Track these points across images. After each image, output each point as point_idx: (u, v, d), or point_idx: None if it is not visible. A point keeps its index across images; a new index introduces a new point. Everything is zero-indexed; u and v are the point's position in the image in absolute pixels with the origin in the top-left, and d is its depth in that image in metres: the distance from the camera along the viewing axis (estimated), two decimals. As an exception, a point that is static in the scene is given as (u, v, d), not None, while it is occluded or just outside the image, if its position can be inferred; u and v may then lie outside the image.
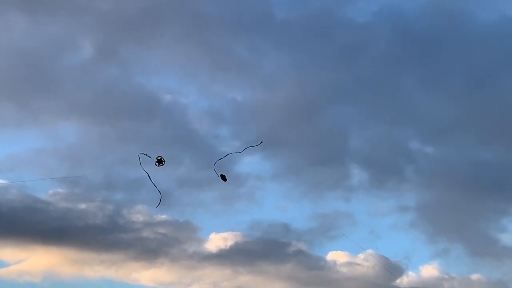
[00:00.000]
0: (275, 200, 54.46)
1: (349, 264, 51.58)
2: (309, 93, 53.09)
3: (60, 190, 49.56)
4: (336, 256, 51.66)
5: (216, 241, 50.82)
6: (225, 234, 51.14)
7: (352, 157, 53.27)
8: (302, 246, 51.18)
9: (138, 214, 49.70)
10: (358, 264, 51.57)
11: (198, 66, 55.35)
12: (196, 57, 54.57)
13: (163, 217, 50.64)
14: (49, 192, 49.40)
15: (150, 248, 49.22)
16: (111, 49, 53.65)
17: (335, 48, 55.18)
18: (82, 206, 49.06)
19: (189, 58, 54.84)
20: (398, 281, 50.40)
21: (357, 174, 53.12)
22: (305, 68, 54.05)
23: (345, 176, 52.90)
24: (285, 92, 53.05)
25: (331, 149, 53.62)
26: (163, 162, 27.16)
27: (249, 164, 52.82)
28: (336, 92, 53.69)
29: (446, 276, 51.78)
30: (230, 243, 50.68)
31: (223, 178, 26.88)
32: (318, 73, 53.83)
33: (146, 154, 26.45)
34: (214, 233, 51.41)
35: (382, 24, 56.53)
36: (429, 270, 52.38)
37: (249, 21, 55.48)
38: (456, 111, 54.46)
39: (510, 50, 55.95)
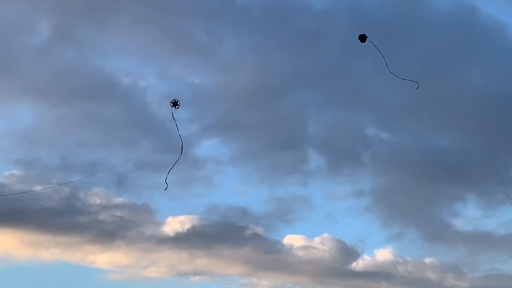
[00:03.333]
0: (233, 184, 54.89)
1: (305, 247, 52.20)
2: (268, 78, 53.29)
3: (15, 172, 49.13)
4: (293, 240, 52.25)
5: (174, 224, 50.97)
6: (182, 218, 51.32)
7: (310, 142, 53.81)
8: (259, 229, 51.66)
9: (95, 196, 49.60)
10: (314, 248, 52.24)
11: (157, 49, 55.07)
12: (155, 40, 54.27)
13: (120, 200, 50.62)
14: (4, 173, 48.98)
15: (107, 231, 49.22)
16: (68, 31, 53.01)
17: (294, 33, 55.36)
18: (38, 188, 48.66)
19: (148, 41, 54.47)
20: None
21: (315, 159, 53.82)
22: (264, 53, 54.16)
23: (303, 160, 53.55)
24: (244, 77, 53.18)
25: (290, 134, 54.01)
26: (178, 104, 27.79)
27: (207, 147, 53.16)
28: (295, 77, 53.98)
29: (401, 260, 52.79)
30: (187, 226, 50.89)
31: (362, 38, 26.22)
32: (277, 58, 53.99)
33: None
34: (172, 216, 51.56)
35: (340, 11, 56.86)
36: (384, 254, 53.32)
37: (209, 5, 55.30)
38: (411, 98, 54.79)
39: (465, 38, 56.84)
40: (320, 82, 55.24)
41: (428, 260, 52.46)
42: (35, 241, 48.73)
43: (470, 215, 53.91)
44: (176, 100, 29.06)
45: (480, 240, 52.46)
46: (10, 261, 49.18)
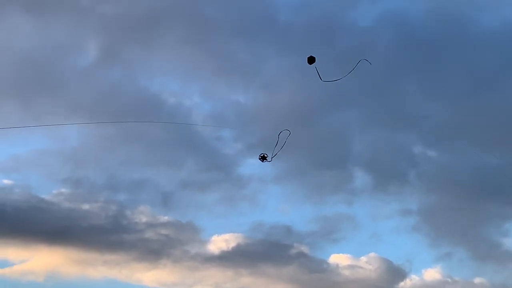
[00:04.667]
0: (277, 202, 54.61)
1: (351, 267, 51.66)
2: (311, 97, 53.16)
3: (63, 190, 49.92)
4: (339, 259, 51.77)
5: (218, 243, 51.02)
6: (227, 236, 51.35)
7: (355, 160, 53.37)
8: (304, 248, 51.32)
9: (141, 215, 50.05)
10: (360, 267, 51.66)
11: (201, 69, 55.53)
12: (199, 60, 54.75)
13: (166, 218, 50.95)
14: (53, 192, 49.78)
15: (152, 249, 49.54)
16: (115, 52, 54.04)
17: (337, 52, 55.17)
18: (86, 206, 49.43)
19: (192, 61, 55.05)
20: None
21: (360, 178, 53.27)
22: (307, 71, 54.11)
23: (348, 179, 53.06)
24: (288, 95, 53.11)
25: (334, 152, 53.65)
26: (266, 158, 27.84)
27: (251, 166, 52.95)
28: (339, 96, 53.71)
29: (449, 280, 51.78)
30: (232, 244, 50.87)
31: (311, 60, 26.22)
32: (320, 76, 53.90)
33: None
34: (216, 234, 51.65)
35: (384, 28, 56.50)
36: (432, 274, 52.40)
37: (252, 24, 55.66)
38: (458, 116, 54.49)
39: (513, 54, 56.09)
40: (365, 100, 54.97)
41: (477, 280, 51.37)
42: (82, 258, 49.35)
43: (520, 234, 52.84)
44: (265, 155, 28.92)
45: (531, 260, 51.32)
46: (59, 278, 49.82)
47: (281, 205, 54.30)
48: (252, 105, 54.38)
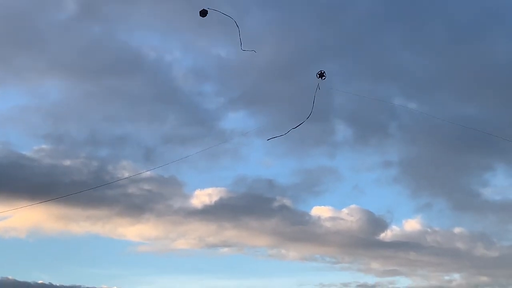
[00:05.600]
0: (260, 156, 54.97)
1: (333, 219, 52.32)
2: (293, 50, 52.96)
3: (44, 146, 49.77)
4: (320, 211, 52.40)
5: (201, 197, 51.44)
6: (210, 190, 51.79)
7: (337, 113, 53.47)
8: (286, 201, 51.90)
9: (123, 170, 50.08)
10: (342, 219, 52.28)
11: (182, 23, 55.09)
12: (180, 14, 54.26)
13: (148, 173, 50.92)
14: (34, 148, 49.61)
15: (135, 204, 49.95)
16: (94, 6, 53.42)
17: (319, 5, 54.99)
18: (67, 162, 49.35)
19: (173, 15, 54.58)
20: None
21: (342, 130, 53.71)
22: (289, 25, 53.85)
23: (330, 132, 53.42)
24: (269, 49, 52.84)
25: (316, 106, 53.55)
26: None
27: (234, 120, 53.21)
28: (321, 49, 53.63)
29: (429, 230, 52.77)
30: (215, 198, 51.31)
31: (203, 13, 26.43)
32: (302, 30, 53.63)
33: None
34: (199, 189, 52.00)
35: (365, -20, 56.25)
36: (412, 224, 53.28)
37: (234, -23, 54.85)
38: (439, 68, 54.73)
39: (494, 6, 56.20)
40: (346, 53, 54.87)
41: (457, 229, 52.38)
42: (65, 214, 49.56)
43: (499, 184, 53.57)
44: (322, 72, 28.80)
45: (509, 209, 52.32)
46: (40, 234, 50.05)
47: (263, 159, 54.61)
48: (234, 59, 54.14)
